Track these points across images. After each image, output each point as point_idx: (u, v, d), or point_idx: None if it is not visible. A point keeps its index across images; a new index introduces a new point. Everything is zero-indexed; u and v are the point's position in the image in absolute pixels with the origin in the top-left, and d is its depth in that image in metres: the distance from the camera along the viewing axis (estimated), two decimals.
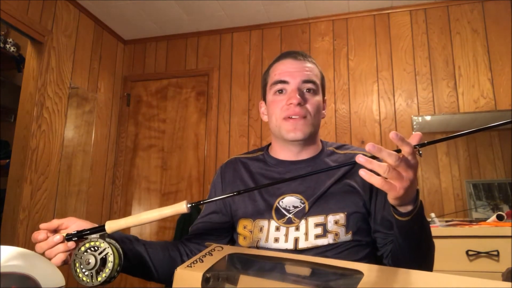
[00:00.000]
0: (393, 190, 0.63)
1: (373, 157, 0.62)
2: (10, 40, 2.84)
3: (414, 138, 0.63)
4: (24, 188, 2.27)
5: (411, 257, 0.79)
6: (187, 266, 0.63)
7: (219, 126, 2.94)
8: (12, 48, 2.83)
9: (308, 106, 0.95)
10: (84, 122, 2.76)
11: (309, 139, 0.98)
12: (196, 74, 3.08)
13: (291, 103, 0.94)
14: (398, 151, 0.62)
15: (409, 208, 0.69)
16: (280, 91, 0.97)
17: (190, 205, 0.68)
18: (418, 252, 0.78)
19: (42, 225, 0.75)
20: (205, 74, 3.06)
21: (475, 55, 2.54)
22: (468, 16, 2.61)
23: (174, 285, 0.63)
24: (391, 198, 0.67)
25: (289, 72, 0.97)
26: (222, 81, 3.01)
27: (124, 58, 3.25)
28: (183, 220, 2.63)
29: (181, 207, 0.68)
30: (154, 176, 3.00)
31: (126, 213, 2.99)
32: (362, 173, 0.61)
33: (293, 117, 0.94)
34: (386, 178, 0.63)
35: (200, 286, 0.60)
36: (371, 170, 0.61)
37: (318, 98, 0.98)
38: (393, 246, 0.83)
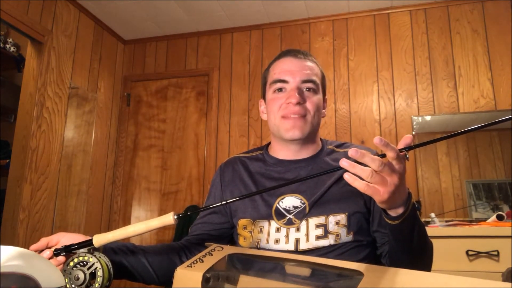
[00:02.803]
0: (377, 195, 0.63)
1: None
2: (10, 40, 2.84)
3: (403, 141, 0.62)
4: (24, 188, 2.27)
5: (405, 258, 0.78)
6: (187, 266, 0.63)
7: (219, 126, 2.94)
8: (12, 48, 2.83)
9: (308, 105, 0.94)
10: (84, 122, 2.76)
11: (308, 138, 0.97)
12: (196, 74, 3.08)
13: (289, 102, 0.93)
14: (384, 155, 0.61)
15: (399, 211, 0.68)
16: (280, 90, 0.97)
17: (177, 217, 0.68)
18: (411, 254, 0.78)
19: (32, 247, 0.74)
20: (205, 74, 3.05)
21: (475, 55, 2.54)
22: (468, 16, 2.61)
23: (174, 285, 0.63)
24: (377, 202, 0.66)
25: (289, 71, 0.96)
26: (222, 81, 3.01)
27: (124, 58, 3.25)
28: (183, 221, 2.63)
29: (168, 218, 0.68)
30: (154, 176, 3.00)
31: (126, 213, 2.99)
32: (346, 176, 0.61)
33: (292, 116, 0.93)
34: (370, 183, 0.62)
35: (200, 286, 0.60)
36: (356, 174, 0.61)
37: (318, 97, 0.97)
38: (388, 247, 0.84)
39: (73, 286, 0.65)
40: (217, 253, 0.69)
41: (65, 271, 0.66)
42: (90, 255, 0.68)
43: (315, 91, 0.97)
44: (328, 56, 2.82)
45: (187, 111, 3.04)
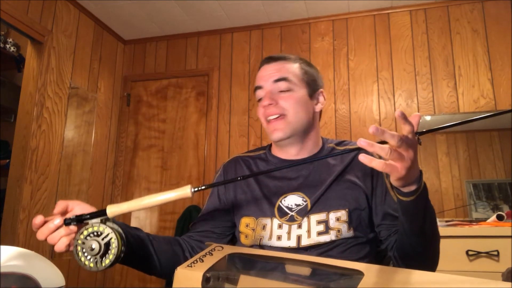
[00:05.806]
0: (396, 171, 0.64)
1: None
2: (10, 40, 2.84)
3: (414, 118, 0.65)
4: (24, 188, 2.27)
5: (416, 244, 0.78)
6: (188, 265, 0.63)
7: (219, 126, 2.94)
8: (12, 48, 2.83)
9: (282, 103, 0.95)
10: (84, 122, 2.76)
11: (300, 136, 0.98)
12: (196, 74, 3.08)
13: (264, 106, 0.96)
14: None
15: (412, 188, 0.69)
16: (260, 98, 1.00)
17: (194, 190, 0.67)
18: (423, 238, 0.77)
19: (55, 211, 0.72)
20: (205, 74, 3.05)
21: (475, 55, 2.54)
22: (468, 16, 2.61)
23: (174, 285, 0.63)
24: (394, 180, 0.67)
25: (262, 77, 1.00)
26: (222, 81, 3.01)
27: (124, 58, 3.25)
28: (183, 220, 2.64)
29: (186, 191, 0.66)
30: (154, 176, 3.00)
31: (126, 213, 2.99)
32: (362, 157, 0.61)
33: (271, 118, 0.96)
34: (387, 160, 0.63)
35: (200, 286, 0.60)
36: (371, 154, 0.61)
37: (296, 93, 0.96)
38: (399, 234, 0.83)
39: (86, 255, 0.64)
40: (217, 252, 0.69)
41: (78, 241, 0.65)
42: (104, 226, 0.66)
43: (290, 88, 0.96)
44: (328, 56, 2.82)
45: (187, 111, 3.04)
